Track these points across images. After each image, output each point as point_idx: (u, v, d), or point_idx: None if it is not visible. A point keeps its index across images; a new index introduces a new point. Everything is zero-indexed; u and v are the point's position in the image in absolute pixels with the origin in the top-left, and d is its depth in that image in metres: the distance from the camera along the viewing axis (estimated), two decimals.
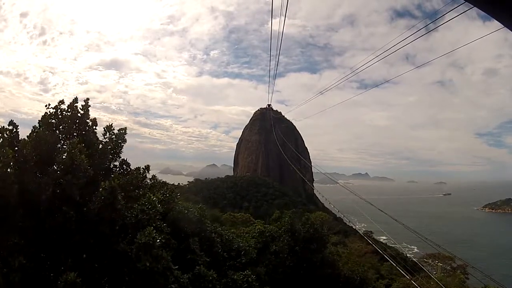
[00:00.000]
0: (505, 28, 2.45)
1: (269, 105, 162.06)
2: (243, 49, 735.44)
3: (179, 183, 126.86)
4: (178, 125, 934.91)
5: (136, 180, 9.63)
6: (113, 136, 9.88)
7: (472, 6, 3.00)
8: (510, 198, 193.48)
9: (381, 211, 24.27)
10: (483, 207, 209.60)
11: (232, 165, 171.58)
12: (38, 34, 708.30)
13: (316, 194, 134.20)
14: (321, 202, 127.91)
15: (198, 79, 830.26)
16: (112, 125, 9.96)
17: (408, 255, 71.30)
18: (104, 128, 9.95)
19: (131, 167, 10.20)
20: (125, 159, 10.12)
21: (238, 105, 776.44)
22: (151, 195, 8.67)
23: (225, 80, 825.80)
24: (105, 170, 9.58)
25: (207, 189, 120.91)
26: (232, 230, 15.06)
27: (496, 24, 2.61)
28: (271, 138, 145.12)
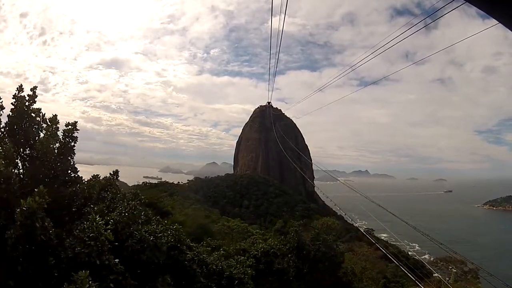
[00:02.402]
0: (502, 25, 2.47)
1: (269, 102, 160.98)
2: (243, 48, 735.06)
3: (178, 182, 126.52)
4: (179, 124, 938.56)
5: (90, 192, 7.46)
6: (56, 130, 7.64)
7: (465, 1, 2.97)
8: (510, 196, 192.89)
9: (386, 210, 23.46)
10: (483, 204, 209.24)
11: (232, 163, 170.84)
12: (38, 34, 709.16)
13: (317, 192, 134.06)
14: (321, 200, 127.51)
15: (199, 78, 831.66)
16: (57, 116, 7.77)
17: (409, 253, 70.94)
18: (47, 120, 7.76)
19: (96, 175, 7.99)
20: (72, 162, 7.80)
21: (238, 103, 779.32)
22: (96, 217, 6.31)
23: (225, 78, 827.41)
24: (52, 179, 7.31)
25: (207, 188, 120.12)
26: (222, 252, 12.22)
27: (494, 22, 2.64)
28: (271, 136, 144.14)
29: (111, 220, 7.18)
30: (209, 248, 14.02)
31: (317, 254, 12.75)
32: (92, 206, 7.35)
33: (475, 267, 27.39)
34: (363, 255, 27.92)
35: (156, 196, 40.12)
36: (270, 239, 16.75)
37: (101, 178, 8.52)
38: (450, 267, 25.11)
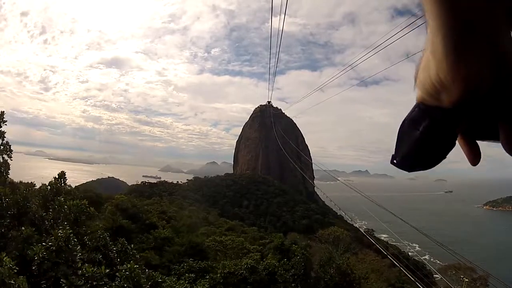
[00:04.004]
0: None
1: (269, 102, 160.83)
2: (244, 47, 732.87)
3: (178, 181, 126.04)
4: (179, 123, 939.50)
5: (24, 207, 5.59)
6: None
7: None
8: (510, 196, 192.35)
9: (392, 213, 23.01)
10: (483, 205, 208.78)
11: (232, 163, 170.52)
12: (38, 33, 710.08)
13: (317, 192, 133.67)
14: (321, 200, 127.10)
15: (199, 77, 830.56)
16: None
17: (410, 253, 70.57)
18: None
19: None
20: (4, 159, 5.83)
21: (239, 103, 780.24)
22: (4, 254, 4.45)
23: (226, 77, 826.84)
24: None
25: (206, 187, 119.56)
26: (207, 285, 10.43)
27: None
28: (271, 135, 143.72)
29: (36, 257, 4.92)
30: (192, 275, 12.21)
31: (329, 284, 10.70)
32: (23, 228, 5.46)
33: (485, 274, 26.12)
34: (369, 263, 26.93)
35: (139, 204, 33.70)
36: (269, 259, 14.86)
37: (47, 184, 6.42)
38: (461, 277, 23.85)
